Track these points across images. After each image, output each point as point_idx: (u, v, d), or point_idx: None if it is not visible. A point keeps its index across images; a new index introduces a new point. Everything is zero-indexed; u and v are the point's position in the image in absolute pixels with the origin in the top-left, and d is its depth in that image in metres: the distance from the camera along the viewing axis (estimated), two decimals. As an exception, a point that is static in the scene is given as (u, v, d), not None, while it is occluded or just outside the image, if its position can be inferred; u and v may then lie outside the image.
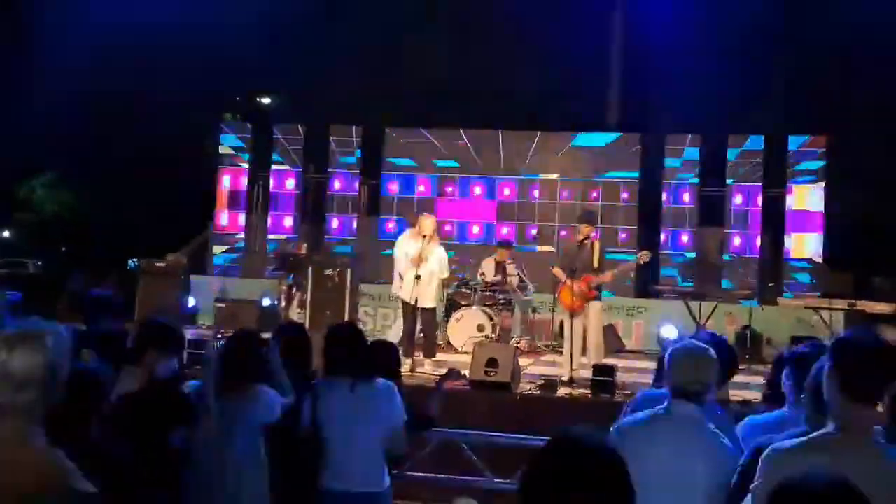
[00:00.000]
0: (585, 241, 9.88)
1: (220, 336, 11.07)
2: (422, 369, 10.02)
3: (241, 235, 16.91)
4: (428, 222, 10.27)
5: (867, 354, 2.96)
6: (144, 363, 4.49)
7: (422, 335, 10.54)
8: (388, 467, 4.69)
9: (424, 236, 10.12)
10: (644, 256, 10.19)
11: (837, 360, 2.98)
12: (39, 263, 15.56)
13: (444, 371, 9.25)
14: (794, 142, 15.16)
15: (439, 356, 10.88)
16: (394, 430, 4.56)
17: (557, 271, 9.96)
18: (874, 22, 14.14)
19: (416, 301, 10.04)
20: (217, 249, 16.74)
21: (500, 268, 13.12)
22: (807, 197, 15.05)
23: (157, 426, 4.20)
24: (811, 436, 2.97)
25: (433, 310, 10.50)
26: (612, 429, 3.66)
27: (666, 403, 3.66)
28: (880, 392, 2.98)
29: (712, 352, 3.68)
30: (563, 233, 15.47)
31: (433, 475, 7.04)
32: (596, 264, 9.82)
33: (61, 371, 2.63)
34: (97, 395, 3.66)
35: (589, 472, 2.11)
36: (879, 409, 3.18)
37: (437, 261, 10.32)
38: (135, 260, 14.17)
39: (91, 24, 16.83)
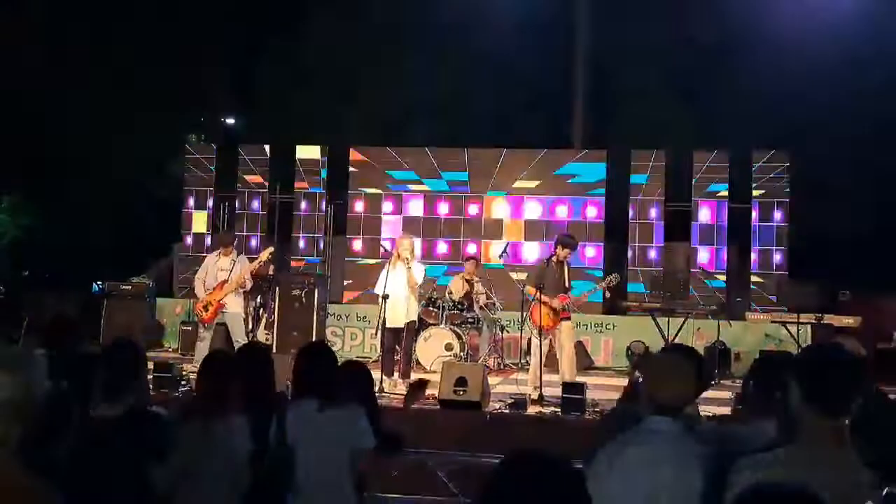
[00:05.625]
0: (556, 261, 9.95)
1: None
2: (395, 390, 9.96)
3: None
4: (407, 242, 10.35)
5: (832, 367, 2.96)
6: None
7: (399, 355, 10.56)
8: (356, 491, 4.60)
9: (407, 258, 10.22)
10: (612, 280, 10.34)
11: (802, 373, 2.99)
12: (2, 289, 15.32)
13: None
14: (759, 157, 15.25)
15: (412, 375, 10.87)
16: (358, 454, 4.47)
17: (529, 289, 9.97)
18: (835, 36, 14.32)
19: (385, 322, 10.04)
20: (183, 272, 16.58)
21: (468, 284, 13.10)
22: (771, 211, 15.15)
23: (133, 454, 4.09)
24: (777, 450, 2.96)
25: (410, 328, 10.49)
26: (597, 455, 3.61)
27: (643, 420, 3.62)
28: (847, 405, 2.97)
29: (689, 366, 3.65)
30: (530, 250, 15.49)
31: (403, 496, 6.98)
32: (567, 284, 9.91)
33: (38, 396, 2.57)
34: (60, 423, 3.58)
35: (546, 489, 2.09)
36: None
37: (421, 276, 10.46)
38: (100, 283, 14.02)
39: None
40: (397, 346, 10.53)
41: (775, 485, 2.29)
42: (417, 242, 15.75)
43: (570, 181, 15.67)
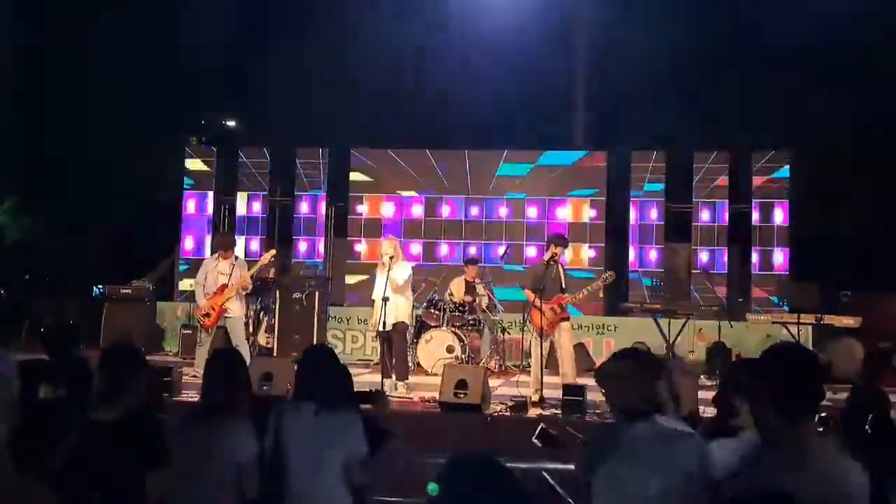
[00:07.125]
0: (552, 262, 9.92)
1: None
2: (393, 393, 9.93)
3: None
4: (386, 245, 10.32)
5: (794, 370, 2.95)
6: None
7: (393, 358, 10.49)
8: (352, 495, 4.56)
9: (391, 258, 10.16)
10: (609, 277, 10.32)
11: (766, 376, 2.98)
12: (2, 292, 15.29)
13: (413, 395, 9.17)
14: (759, 157, 15.23)
15: (411, 378, 10.83)
16: (354, 460, 4.44)
17: (528, 293, 9.94)
18: (837, 37, 14.27)
19: (384, 325, 10.03)
20: (183, 275, 16.53)
21: (470, 287, 13.06)
22: (772, 212, 15.13)
23: (131, 458, 4.06)
24: (744, 454, 2.96)
25: (399, 330, 10.44)
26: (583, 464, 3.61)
27: (616, 424, 3.61)
28: (812, 407, 2.96)
29: (656, 370, 3.64)
30: (530, 251, 15.48)
31: (401, 500, 6.94)
32: (564, 285, 9.90)
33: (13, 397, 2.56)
34: (58, 428, 3.56)
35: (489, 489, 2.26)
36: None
37: (401, 278, 10.32)
38: (100, 286, 13.97)
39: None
40: (391, 349, 10.49)
41: (755, 488, 2.31)
42: (418, 244, 15.85)
43: (569, 181, 15.69)
